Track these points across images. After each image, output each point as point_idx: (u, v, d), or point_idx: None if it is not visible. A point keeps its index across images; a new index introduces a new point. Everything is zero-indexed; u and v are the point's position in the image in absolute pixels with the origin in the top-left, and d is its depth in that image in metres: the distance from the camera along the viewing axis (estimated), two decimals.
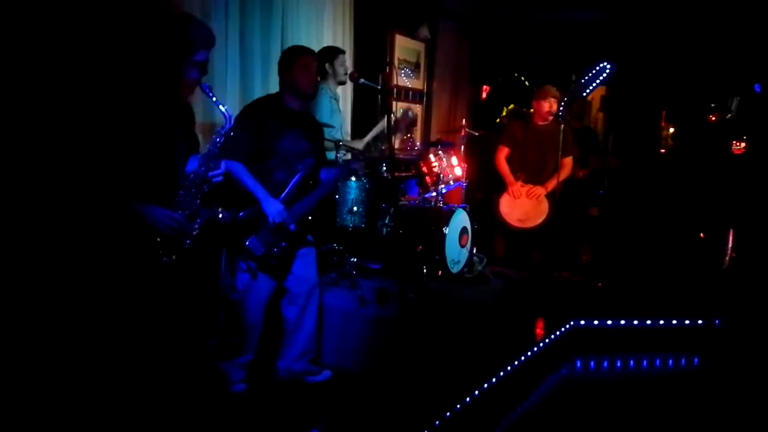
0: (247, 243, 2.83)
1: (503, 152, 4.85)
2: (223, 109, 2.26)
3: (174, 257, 2.18)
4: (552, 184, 4.66)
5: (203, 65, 2.24)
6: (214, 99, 2.24)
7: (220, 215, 2.30)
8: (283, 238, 2.92)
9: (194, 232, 2.22)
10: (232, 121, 2.29)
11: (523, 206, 4.70)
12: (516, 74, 7.67)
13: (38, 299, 2.17)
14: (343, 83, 4.34)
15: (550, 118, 4.73)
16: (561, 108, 4.62)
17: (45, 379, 2.11)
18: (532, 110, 4.89)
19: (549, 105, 4.70)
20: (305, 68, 2.97)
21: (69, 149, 2.11)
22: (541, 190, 4.66)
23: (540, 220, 4.65)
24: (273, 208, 2.84)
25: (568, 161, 4.75)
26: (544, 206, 4.65)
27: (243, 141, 2.70)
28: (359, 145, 4.09)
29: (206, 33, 2.23)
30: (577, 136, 5.12)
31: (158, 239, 2.14)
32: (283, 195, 2.93)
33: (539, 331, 4.10)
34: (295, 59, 2.98)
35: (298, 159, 2.99)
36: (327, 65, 4.23)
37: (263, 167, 2.91)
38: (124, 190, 2.10)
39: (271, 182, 2.92)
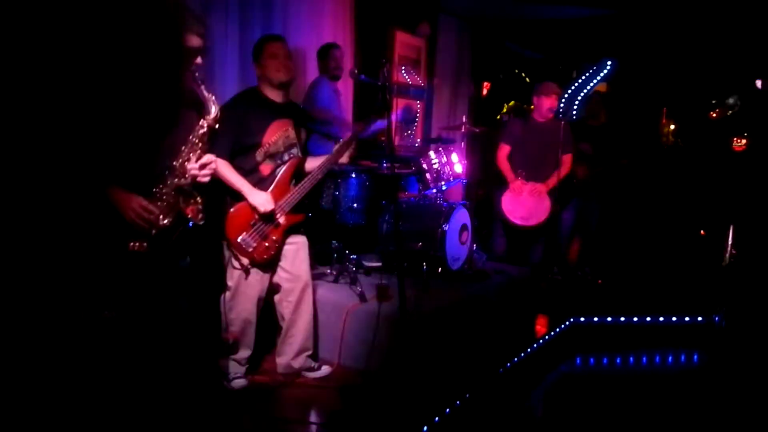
0: (239, 239, 2.83)
1: (504, 150, 4.82)
2: (208, 95, 2.22)
3: (145, 245, 2.15)
4: (553, 181, 4.65)
5: (195, 52, 2.21)
6: (201, 87, 2.21)
7: (189, 216, 2.23)
8: (273, 232, 2.92)
9: (162, 223, 2.17)
10: (218, 111, 2.25)
11: (525, 204, 4.68)
12: (516, 71, 7.65)
13: (22, 293, 2.16)
14: (336, 78, 4.35)
15: (551, 115, 4.71)
16: (561, 104, 4.61)
17: (38, 375, 2.11)
18: (532, 107, 4.88)
19: (550, 102, 4.67)
20: (273, 56, 2.92)
21: (53, 136, 2.09)
22: (542, 187, 4.64)
23: (543, 218, 4.63)
24: (259, 198, 2.83)
25: (568, 158, 4.73)
26: (547, 204, 4.63)
27: (224, 136, 2.66)
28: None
29: (195, 17, 2.20)
30: (593, 133, 5.12)
31: (129, 226, 2.12)
32: (270, 189, 2.92)
33: (540, 328, 4.11)
34: (263, 48, 2.95)
35: (284, 150, 2.98)
36: (320, 62, 4.33)
37: (248, 161, 2.89)
38: (105, 176, 2.08)
39: (257, 175, 2.91)
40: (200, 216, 2.24)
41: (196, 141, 2.20)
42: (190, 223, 2.27)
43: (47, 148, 2.08)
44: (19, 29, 2.10)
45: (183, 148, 2.21)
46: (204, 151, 2.24)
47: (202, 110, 2.38)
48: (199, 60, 2.25)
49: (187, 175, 2.20)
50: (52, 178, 2.12)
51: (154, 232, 2.17)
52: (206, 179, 2.25)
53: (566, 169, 4.72)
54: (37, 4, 2.14)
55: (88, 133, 2.04)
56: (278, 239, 2.95)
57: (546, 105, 4.68)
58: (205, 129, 2.21)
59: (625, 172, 5.42)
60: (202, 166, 2.22)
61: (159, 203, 2.17)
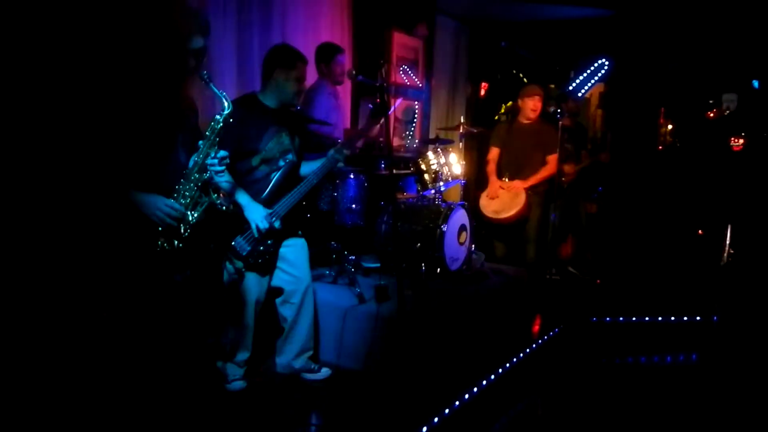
0: (233, 243, 2.83)
1: (493, 153, 4.94)
2: (220, 93, 2.25)
3: (177, 245, 2.17)
4: (532, 180, 4.68)
5: (200, 53, 2.22)
6: (211, 85, 2.23)
7: (219, 202, 2.27)
8: (268, 236, 2.91)
9: (193, 220, 2.21)
10: (231, 105, 2.27)
11: (500, 199, 4.73)
12: (514, 71, 7.65)
13: (35, 292, 2.16)
14: (339, 83, 4.31)
15: (534, 115, 4.78)
16: (557, 108, 4.66)
17: (41, 375, 2.10)
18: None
19: (533, 103, 4.76)
20: (298, 81, 2.92)
21: (70, 142, 2.10)
22: (518, 184, 4.68)
23: (513, 212, 4.63)
24: (256, 214, 2.83)
25: (552, 159, 4.74)
26: (521, 199, 4.65)
27: (223, 143, 2.68)
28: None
29: (199, 19, 2.22)
30: (568, 133, 5.14)
31: (159, 228, 2.14)
32: (265, 193, 2.92)
33: (537, 328, 4.11)
34: (294, 66, 2.91)
35: (280, 156, 2.98)
36: (323, 65, 4.21)
37: (245, 166, 2.89)
38: (124, 180, 2.09)
39: (253, 180, 2.91)
40: (227, 204, 2.30)
41: (212, 136, 2.23)
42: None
43: (64, 154, 2.08)
44: (36, 46, 2.10)
45: (200, 144, 2.24)
46: (219, 146, 2.26)
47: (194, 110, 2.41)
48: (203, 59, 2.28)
49: (207, 170, 2.22)
50: (67, 181, 2.12)
51: (186, 231, 2.19)
52: (223, 175, 2.30)
53: (551, 169, 4.73)
54: (52, 22, 2.14)
55: (104, 137, 2.04)
56: (273, 243, 2.95)
57: (529, 106, 4.80)
58: (221, 124, 2.23)
59: (605, 169, 5.51)
60: (220, 160, 2.25)
61: (183, 201, 2.19)
